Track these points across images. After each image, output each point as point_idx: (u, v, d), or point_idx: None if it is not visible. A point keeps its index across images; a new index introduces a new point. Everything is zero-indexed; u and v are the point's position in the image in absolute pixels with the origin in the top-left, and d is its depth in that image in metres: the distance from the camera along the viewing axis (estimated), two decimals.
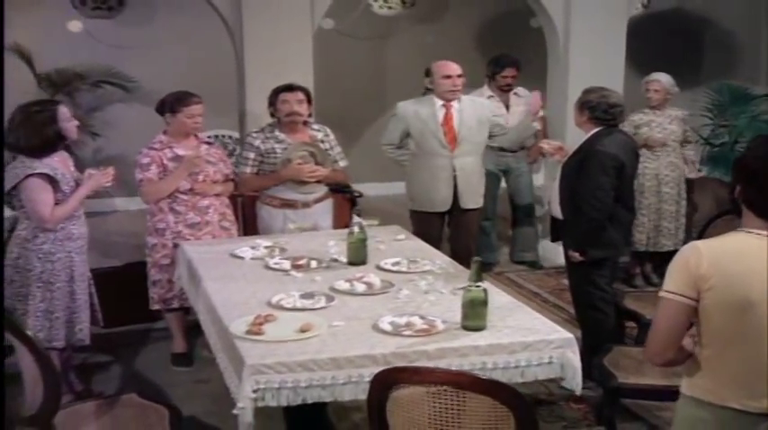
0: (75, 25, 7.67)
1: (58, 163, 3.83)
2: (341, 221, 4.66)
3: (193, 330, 4.82)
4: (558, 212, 4.24)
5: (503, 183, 6.36)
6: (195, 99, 4.38)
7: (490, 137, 5.05)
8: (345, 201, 5.08)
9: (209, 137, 5.03)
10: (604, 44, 6.17)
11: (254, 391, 2.74)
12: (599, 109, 4.05)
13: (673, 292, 2.14)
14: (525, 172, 6.28)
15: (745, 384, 2.12)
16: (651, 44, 8.00)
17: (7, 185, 3.74)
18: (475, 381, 2.30)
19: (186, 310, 4.61)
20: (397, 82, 8.69)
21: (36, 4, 7.64)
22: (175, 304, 4.48)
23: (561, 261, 5.21)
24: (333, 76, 8.03)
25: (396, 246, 4.11)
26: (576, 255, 4.11)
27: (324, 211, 4.62)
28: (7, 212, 4.25)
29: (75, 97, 7.58)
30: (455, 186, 4.92)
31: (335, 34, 8.31)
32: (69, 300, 3.89)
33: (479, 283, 2.97)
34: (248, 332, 2.95)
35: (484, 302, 2.99)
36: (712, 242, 2.17)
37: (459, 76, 4.87)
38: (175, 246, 4.30)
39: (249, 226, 4.79)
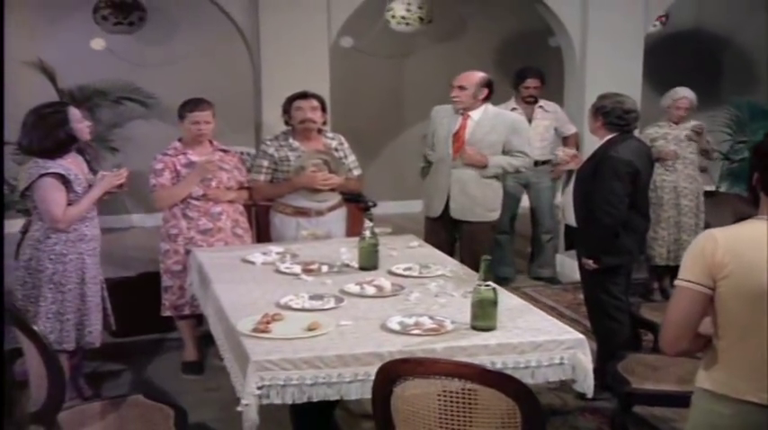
0: (98, 43, 7.78)
1: (71, 164, 3.85)
2: (354, 230, 4.62)
3: (205, 339, 4.82)
4: (572, 220, 4.19)
5: (525, 201, 6.28)
6: (201, 105, 4.38)
7: (505, 152, 4.84)
8: (359, 210, 5.05)
9: None
10: (622, 61, 6.14)
11: (259, 388, 2.70)
12: (613, 114, 4.01)
13: (688, 281, 2.10)
14: (547, 187, 6.20)
15: (762, 377, 2.05)
16: (670, 63, 7.96)
17: (22, 186, 3.77)
18: (480, 373, 2.25)
19: (198, 319, 4.60)
20: (416, 100, 8.71)
21: (60, 21, 7.78)
22: (187, 311, 4.46)
23: (578, 276, 5.14)
24: (352, 93, 8.07)
25: (408, 253, 4.08)
26: (590, 263, 4.05)
27: (337, 220, 4.59)
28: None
29: (96, 113, 7.65)
30: (449, 196, 4.82)
31: (354, 52, 8.36)
32: (80, 302, 3.88)
33: (489, 283, 2.93)
34: (254, 330, 2.93)
35: (493, 302, 2.95)
36: (729, 230, 2.12)
37: (460, 87, 4.76)
38: (187, 252, 4.29)
39: (263, 234, 4.78)
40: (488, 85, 4.82)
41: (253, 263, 3.89)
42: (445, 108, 4.95)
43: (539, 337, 2.92)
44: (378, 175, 8.46)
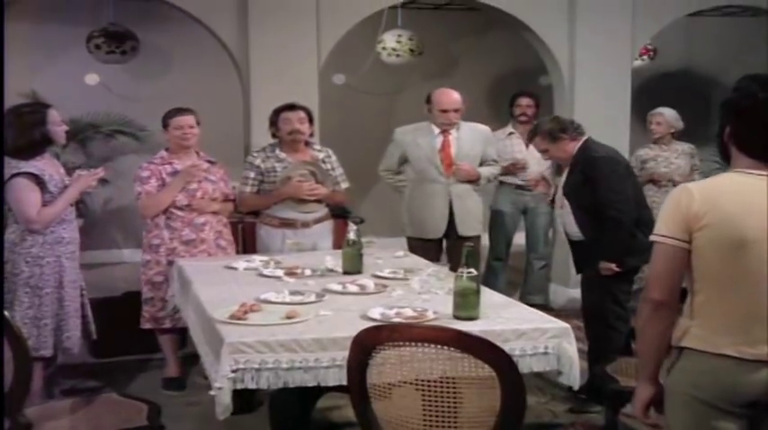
0: (92, 78, 7.83)
1: (46, 165, 3.80)
2: (340, 244, 4.54)
3: (188, 359, 4.72)
4: (575, 234, 4.12)
5: (520, 237, 6.22)
6: (182, 111, 4.37)
7: (481, 164, 4.96)
8: (346, 225, 4.99)
9: None
10: (610, 80, 6.19)
11: (233, 372, 2.63)
12: (567, 123, 4.11)
13: (664, 236, 2.05)
14: (543, 212, 6.07)
15: (741, 330, 1.99)
16: (660, 101, 8.00)
17: None
18: (456, 337, 2.18)
19: (181, 335, 4.52)
20: None
21: (55, 55, 7.85)
22: (167, 324, 4.36)
23: (572, 305, 5.04)
24: (343, 130, 8.07)
25: (393, 262, 4.02)
26: (612, 267, 3.96)
27: (323, 233, 4.54)
28: None
29: (89, 146, 7.67)
30: (451, 213, 4.85)
31: (346, 90, 8.42)
32: (58, 307, 3.80)
33: (471, 270, 2.87)
34: (231, 317, 2.86)
35: (476, 291, 2.88)
36: (704, 182, 2.10)
37: (456, 110, 4.86)
38: (169, 263, 4.22)
39: (249, 249, 4.72)
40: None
41: (235, 268, 3.84)
42: (408, 129, 5.04)
43: (522, 325, 2.85)
44: (369, 213, 8.40)
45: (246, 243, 4.79)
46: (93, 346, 4.93)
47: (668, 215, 2.06)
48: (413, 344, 2.20)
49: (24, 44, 7.57)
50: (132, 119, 7.84)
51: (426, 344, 2.19)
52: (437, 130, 4.91)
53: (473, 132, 4.97)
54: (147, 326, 4.41)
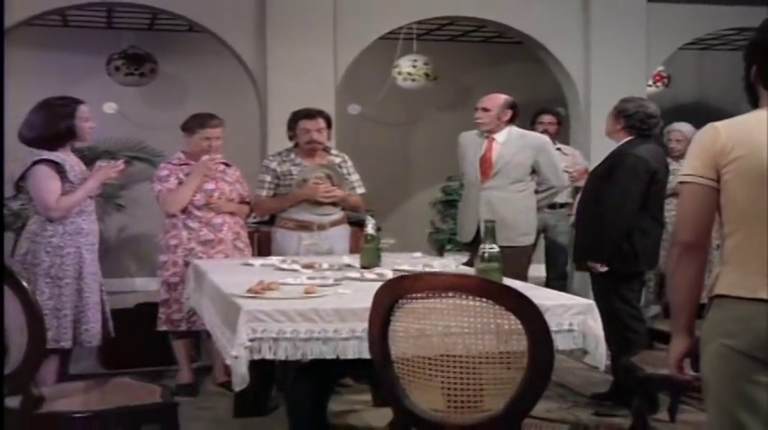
0: (110, 107, 7.92)
1: (68, 156, 3.80)
2: (358, 250, 4.52)
3: (202, 370, 4.66)
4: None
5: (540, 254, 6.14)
6: (213, 122, 4.37)
7: (533, 172, 4.76)
8: (362, 232, 4.95)
9: None
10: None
11: (251, 341, 2.57)
12: (635, 118, 3.98)
13: (691, 175, 2.00)
14: (563, 231, 5.98)
15: None
16: None
17: (16, 175, 3.71)
18: (480, 284, 2.12)
19: (196, 339, 4.46)
20: (422, 168, 8.76)
21: (71, 81, 7.93)
22: (183, 327, 4.31)
23: None
24: (358, 161, 8.08)
25: (412, 260, 3.98)
26: (597, 266, 3.91)
27: (340, 236, 4.49)
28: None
29: None
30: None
31: (362, 120, 8.48)
32: (77, 298, 3.75)
33: (493, 246, 2.83)
34: (248, 291, 2.82)
35: (498, 269, 2.83)
36: (730, 119, 2.05)
37: (485, 109, 4.71)
38: (186, 264, 4.19)
39: (265, 256, 4.68)
40: (512, 106, 4.75)
41: (252, 265, 3.81)
42: (471, 134, 4.88)
43: (545, 302, 2.76)
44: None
45: (262, 250, 4.75)
46: (106, 358, 4.88)
47: (694, 154, 2.02)
48: (437, 295, 2.14)
49: (43, 72, 7.68)
50: (148, 145, 7.89)
51: (451, 295, 2.13)
52: (485, 134, 4.77)
53: (521, 139, 4.73)
54: (162, 328, 4.36)
